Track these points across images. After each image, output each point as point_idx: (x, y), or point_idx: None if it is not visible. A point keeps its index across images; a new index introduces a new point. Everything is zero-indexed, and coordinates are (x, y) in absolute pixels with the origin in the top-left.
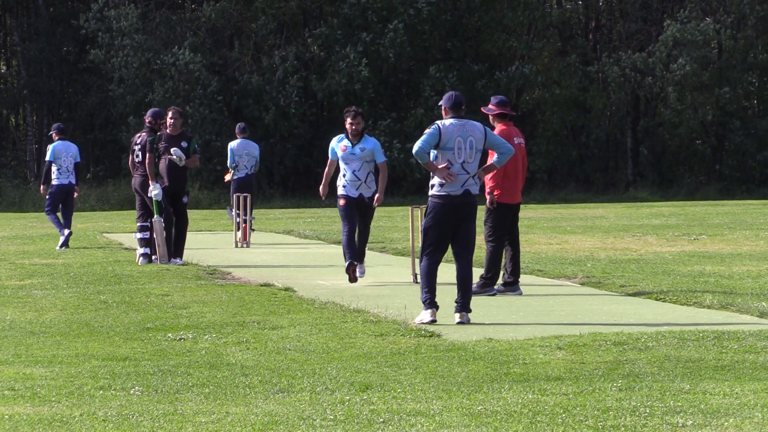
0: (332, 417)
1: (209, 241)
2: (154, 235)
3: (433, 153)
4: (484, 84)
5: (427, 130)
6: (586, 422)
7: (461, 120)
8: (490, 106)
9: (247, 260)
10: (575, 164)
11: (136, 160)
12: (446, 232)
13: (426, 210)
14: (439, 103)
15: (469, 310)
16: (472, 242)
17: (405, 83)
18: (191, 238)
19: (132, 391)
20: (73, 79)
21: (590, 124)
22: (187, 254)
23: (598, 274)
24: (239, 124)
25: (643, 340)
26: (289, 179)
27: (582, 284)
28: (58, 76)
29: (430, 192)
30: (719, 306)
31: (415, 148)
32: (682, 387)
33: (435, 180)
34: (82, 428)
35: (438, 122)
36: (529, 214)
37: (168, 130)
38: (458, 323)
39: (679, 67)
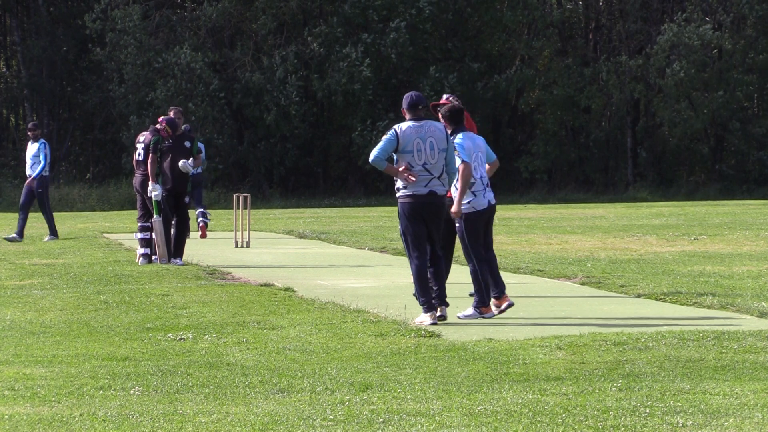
0: (332, 417)
1: (209, 241)
2: (154, 236)
3: (393, 156)
4: (484, 85)
5: (384, 137)
6: (586, 422)
7: (420, 121)
8: (445, 101)
9: (247, 260)
10: (575, 164)
11: (138, 158)
12: (422, 230)
13: (398, 215)
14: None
15: (447, 304)
16: (440, 241)
17: (404, 84)
18: (191, 238)
19: (132, 391)
20: (74, 79)
21: (590, 125)
22: (187, 254)
23: (598, 274)
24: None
25: (643, 340)
26: (289, 179)
27: (582, 284)
28: (58, 76)
29: (397, 195)
30: (719, 306)
31: (372, 156)
32: (682, 387)
33: (399, 183)
34: (82, 428)
35: (395, 127)
36: (529, 214)
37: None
38: (439, 317)
39: (674, 72)
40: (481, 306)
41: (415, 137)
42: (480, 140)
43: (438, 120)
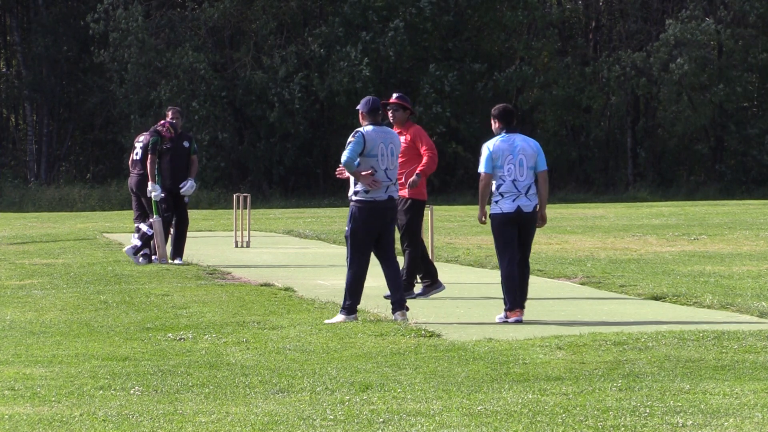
0: (332, 417)
1: (209, 241)
2: (154, 236)
3: (356, 160)
4: (484, 85)
5: (352, 139)
6: (586, 422)
7: (379, 126)
8: (395, 100)
9: (247, 260)
10: (575, 164)
11: (135, 158)
12: (373, 236)
13: (349, 216)
14: (357, 107)
15: (407, 308)
16: (393, 243)
17: (404, 83)
18: (191, 238)
19: (132, 391)
20: (74, 79)
21: (590, 124)
22: (187, 254)
23: (598, 274)
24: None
25: (643, 340)
26: (289, 179)
27: (582, 284)
28: (59, 76)
29: (354, 198)
30: (719, 306)
31: (344, 158)
32: (682, 387)
33: (359, 186)
34: (82, 428)
35: (360, 129)
36: None
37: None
38: (402, 321)
39: (677, 67)
40: (508, 310)
41: (379, 142)
42: (528, 144)
43: (388, 119)
